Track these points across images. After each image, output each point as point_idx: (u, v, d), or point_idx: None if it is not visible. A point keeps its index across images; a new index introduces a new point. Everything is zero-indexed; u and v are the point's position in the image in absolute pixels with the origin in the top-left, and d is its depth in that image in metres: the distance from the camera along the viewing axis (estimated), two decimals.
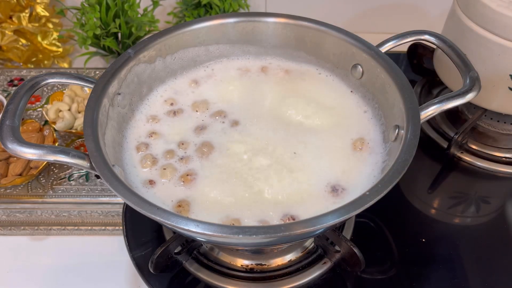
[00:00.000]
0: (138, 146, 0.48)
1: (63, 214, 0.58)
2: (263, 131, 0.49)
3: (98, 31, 0.73)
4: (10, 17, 0.81)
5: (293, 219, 0.41)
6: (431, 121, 0.67)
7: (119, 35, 0.77)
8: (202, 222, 0.35)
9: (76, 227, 0.58)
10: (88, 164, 0.39)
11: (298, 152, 0.47)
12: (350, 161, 0.46)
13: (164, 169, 0.45)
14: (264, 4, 0.87)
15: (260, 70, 0.56)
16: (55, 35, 0.84)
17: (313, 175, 0.45)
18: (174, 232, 0.48)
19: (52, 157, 0.38)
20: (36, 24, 0.82)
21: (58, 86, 0.72)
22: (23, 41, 0.81)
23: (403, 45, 0.52)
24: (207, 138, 0.48)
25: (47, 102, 0.70)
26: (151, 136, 0.49)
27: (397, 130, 0.44)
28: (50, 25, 0.85)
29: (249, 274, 0.49)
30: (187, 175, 0.45)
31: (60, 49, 0.84)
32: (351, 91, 0.53)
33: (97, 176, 0.58)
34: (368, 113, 0.50)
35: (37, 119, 0.67)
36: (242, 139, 0.48)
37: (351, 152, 0.47)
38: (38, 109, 0.69)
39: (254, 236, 0.34)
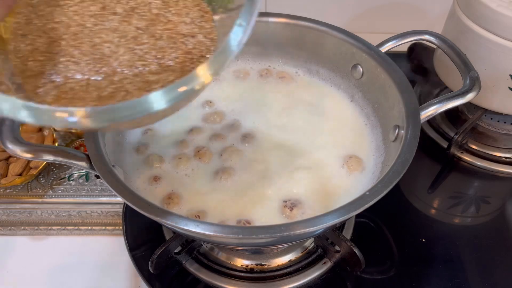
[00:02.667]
0: (138, 146, 0.48)
1: (63, 214, 0.58)
2: (261, 138, 0.49)
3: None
4: None
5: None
6: (431, 121, 0.67)
7: None
8: (202, 222, 0.35)
9: (76, 227, 0.58)
10: (88, 164, 0.39)
11: (290, 162, 0.47)
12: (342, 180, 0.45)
13: (180, 158, 0.46)
14: (264, 4, 0.87)
15: (259, 73, 0.56)
16: None
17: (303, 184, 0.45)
18: (174, 232, 0.48)
19: (52, 157, 0.38)
20: None
21: None
22: None
23: (403, 45, 0.52)
24: (204, 142, 0.49)
25: None
26: (148, 133, 0.49)
27: (397, 130, 0.44)
28: None
29: (249, 274, 0.49)
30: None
31: None
32: (351, 100, 0.53)
33: (97, 176, 0.58)
34: (368, 126, 0.50)
35: None
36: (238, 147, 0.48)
37: (344, 171, 0.46)
38: None
39: (254, 236, 0.34)
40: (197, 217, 0.41)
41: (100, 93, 0.32)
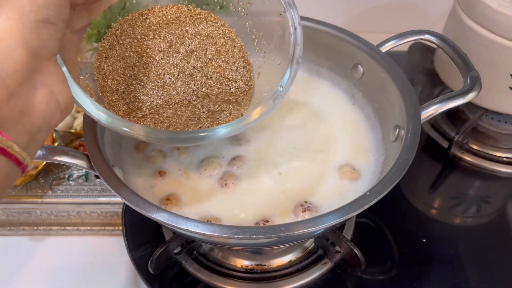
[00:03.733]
0: (137, 144, 0.48)
1: (62, 214, 0.58)
2: (261, 135, 0.49)
3: (102, 30, 0.73)
4: None
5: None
6: (431, 121, 0.67)
7: None
8: (202, 223, 0.35)
9: (75, 228, 0.58)
10: (88, 164, 0.39)
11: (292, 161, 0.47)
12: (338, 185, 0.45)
13: (178, 149, 0.47)
14: None
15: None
16: None
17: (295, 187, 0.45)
18: (174, 233, 0.48)
19: (51, 157, 0.38)
20: None
21: None
22: None
23: (403, 45, 0.52)
24: None
25: None
26: None
27: (397, 130, 0.44)
28: None
29: (249, 275, 0.49)
30: None
31: None
32: (352, 102, 0.53)
33: (97, 176, 0.58)
34: (368, 126, 0.50)
35: None
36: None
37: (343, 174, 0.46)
38: None
39: (254, 236, 0.34)
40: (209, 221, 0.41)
41: (158, 116, 0.40)
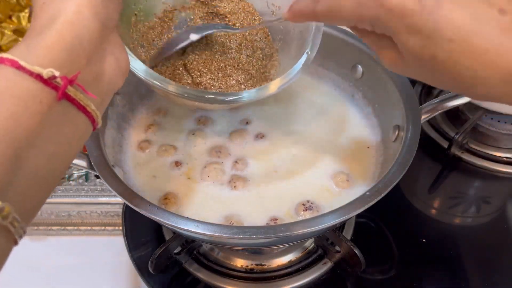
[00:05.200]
0: (140, 144, 0.48)
1: (63, 214, 0.58)
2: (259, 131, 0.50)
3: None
4: (10, 17, 0.80)
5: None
6: (431, 121, 0.67)
7: None
8: (202, 222, 0.35)
9: (75, 227, 0.58)
10: (88, 164, 0.39)
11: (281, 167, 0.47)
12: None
13: (193, 134, 0.48)
14: None
15: None
16: None
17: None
18: (174, 232, 0.48)
19: None
20: None
21: None
22: None
23: None
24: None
25: None
26: (151, 129, 0.49)
27: (397, 130, 0.44)
28: None
29: (249, 275, 0.49)
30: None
31: None
32: (351, 101, 0.53)
33: (97, 176, 0.58)
34: (368, 126, 0.50)
35: None
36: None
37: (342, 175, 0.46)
38: None
39: (254, 236, 0.34)
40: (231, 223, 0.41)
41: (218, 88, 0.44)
